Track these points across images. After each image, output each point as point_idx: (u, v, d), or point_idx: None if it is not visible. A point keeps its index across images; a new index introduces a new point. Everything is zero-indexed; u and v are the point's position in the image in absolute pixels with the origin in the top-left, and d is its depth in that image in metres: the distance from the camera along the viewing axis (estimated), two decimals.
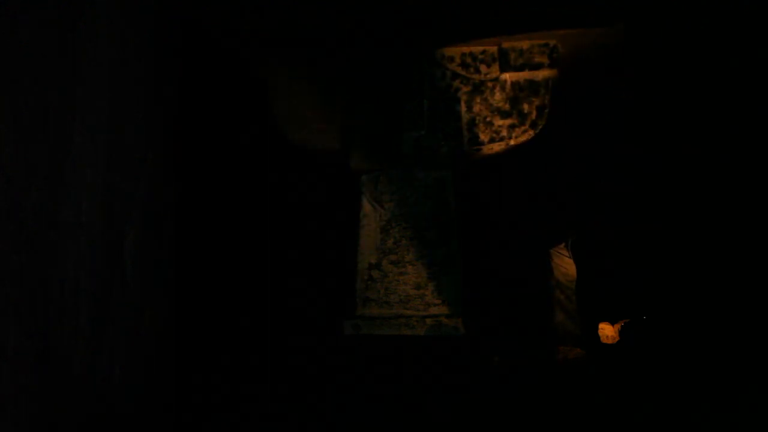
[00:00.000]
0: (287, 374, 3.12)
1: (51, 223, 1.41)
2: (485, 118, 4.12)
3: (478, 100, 4.12)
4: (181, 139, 2.31)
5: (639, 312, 3.48)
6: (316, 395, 2.81)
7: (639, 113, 3.65)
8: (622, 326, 3.48)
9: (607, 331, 3.56)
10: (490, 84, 4.11)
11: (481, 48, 4.13)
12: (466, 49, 4.13)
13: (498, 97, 4.11)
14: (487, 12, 3.50)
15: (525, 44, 4.09)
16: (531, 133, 4.09)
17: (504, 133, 4.10)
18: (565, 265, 3.71)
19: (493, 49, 4.12)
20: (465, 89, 4.12)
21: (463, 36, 3.90)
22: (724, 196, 3.25)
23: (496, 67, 4.11)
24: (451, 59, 4.14)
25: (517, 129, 4.10)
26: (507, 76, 4.12)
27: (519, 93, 4.12)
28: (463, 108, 4.12)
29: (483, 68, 4.11)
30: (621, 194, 3.71)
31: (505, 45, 4.11)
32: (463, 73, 4.11)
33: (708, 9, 3.26)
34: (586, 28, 3.64)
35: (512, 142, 4.11)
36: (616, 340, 3.51)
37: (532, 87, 4.12)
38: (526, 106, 4.11)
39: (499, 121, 4.09)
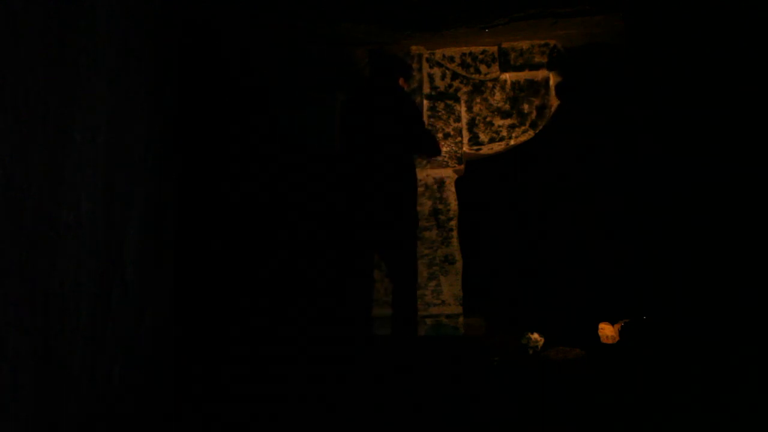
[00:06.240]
0: (287, 374, 3.12)
1: (51, 223, 1.41)
2: (485, 118, 4.11)
3: (478, 100, 4.11)
4: (181, 138, 2.32)
5: (639, 312, 3.48)
6: (317, 395, 2.81)
7: (638, 112, 3.65)
8: (622, 326, 3.48)
9: (607, 331, 3.56)
10: (490, 84, 4.11)
11: (481, 48, 4.12)
12: (465, 49, 4.13)
13: (498, 97, 4.11)
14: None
15: (525, 44, 4.09)
16: (531, 133, 4.09)
17: (504, 133, 4.09)
18: None
19: (493, 49, 4.12)
20: (465, 89, 4.12)
21: (461, 29, 3.86)
22: (726, 194, 3.25)
23: (496, 67, 4.11)
24: (451, 59, 4.14)
25: (517, 129, 4.10)
26: (507, 76, 4.12)
27: (519, 93, 4.12)
28: (463, 108, 4.11)
29: (483, 68, 4.11)
30: (622, 193, 3.71)
31: (505, 45, 4.10)
32: (463, 73, 4.11)
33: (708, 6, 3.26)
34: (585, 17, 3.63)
35: (512, 142, 4.11)
36: (616, 340, 3.51)
37: (532, 87, 4.11)
38: (526, 106, 4.10)
39: (499, 121, 4.09)
